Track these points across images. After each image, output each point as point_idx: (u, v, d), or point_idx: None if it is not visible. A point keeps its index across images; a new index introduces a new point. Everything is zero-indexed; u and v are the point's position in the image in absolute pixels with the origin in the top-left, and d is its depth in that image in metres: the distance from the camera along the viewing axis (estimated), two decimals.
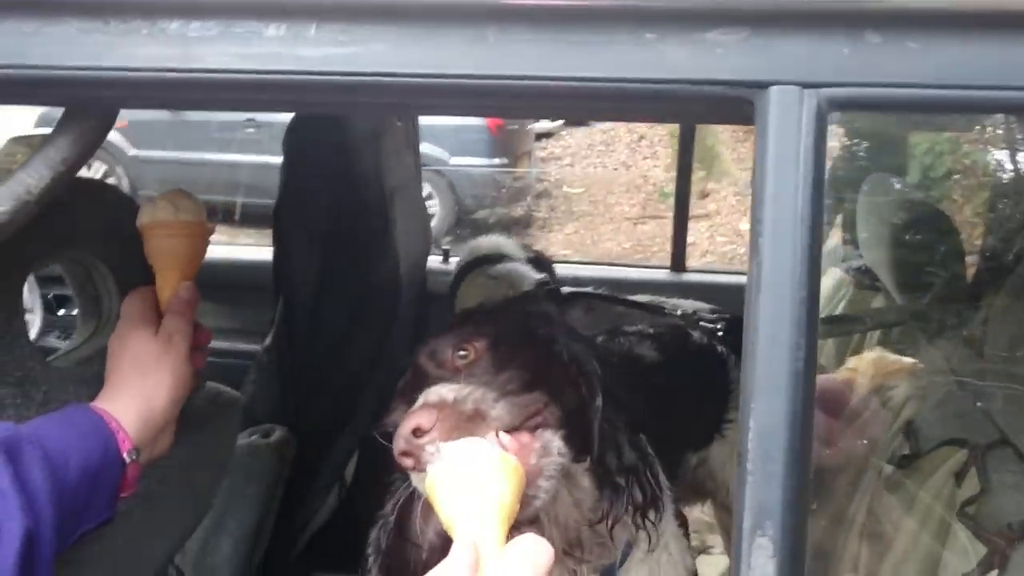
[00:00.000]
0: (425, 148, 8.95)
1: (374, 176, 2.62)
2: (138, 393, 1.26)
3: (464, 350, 1.33)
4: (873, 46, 0.84)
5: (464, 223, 9.29)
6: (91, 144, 1.07)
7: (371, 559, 1.39)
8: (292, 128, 2.53)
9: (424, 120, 8.98)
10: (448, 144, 8.84)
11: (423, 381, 1.31)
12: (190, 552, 2.54)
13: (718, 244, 8.57)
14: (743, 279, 0.85)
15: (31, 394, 1.33)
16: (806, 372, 0.84)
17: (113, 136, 9.48)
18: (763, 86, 0.85)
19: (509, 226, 9.42)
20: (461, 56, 0.87)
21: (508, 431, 1.18)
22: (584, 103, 0.91)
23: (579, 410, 1.29)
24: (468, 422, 1.16)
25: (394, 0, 0.88)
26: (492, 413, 1.18)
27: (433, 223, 8.98)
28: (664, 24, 0.86)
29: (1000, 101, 0.83)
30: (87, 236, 1.50)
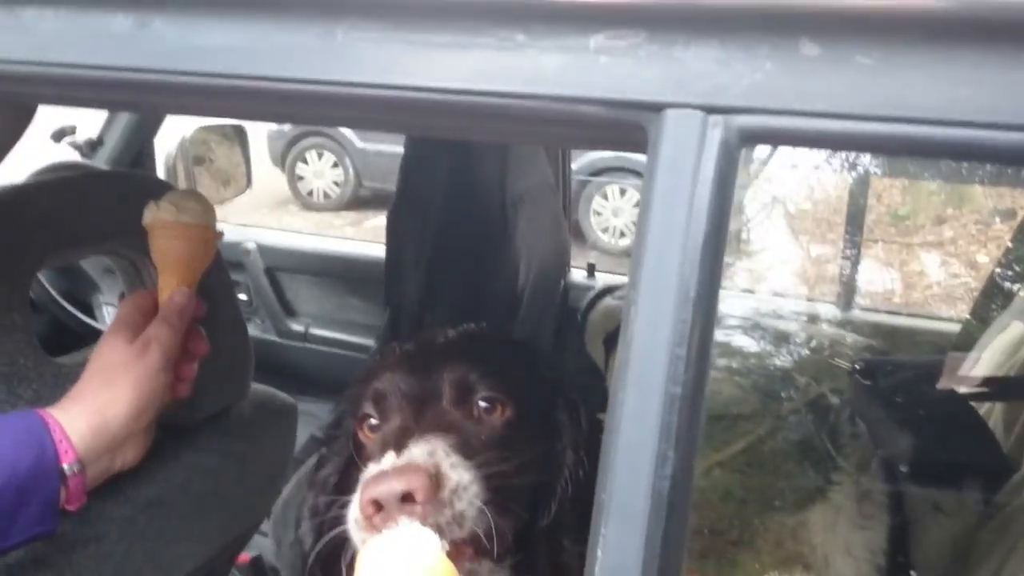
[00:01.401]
0: (637, 155, 8.74)
1: (498, 180, 2.50)
2: (92, 403, 1.20)
3: (491, 404, 1.20)
4: (807, 60, 0.61)
5: None
6: (4, 140, 1.00)
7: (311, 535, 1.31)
8: None
9: None
10: None
11: (433, 400, 1.20)
12: (285, 552, 2.53)
13: (947, 276, 7.77)
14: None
15: (18, 391, 1.31)
16: (673, 495, 0.62)
17: (343, 128, 9.98)
18: (656, 108, 0.64)
19: None
20: (304, 57, 0.72)
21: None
22: (440, 119, 0.73)
23: (527, 530, 1.17)
24: (447, 519, 1.04)
25: None
26: (466, 526, 1.06)
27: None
28: (538, 24, 0.66)
29: (985, 144, 0.57)
30: (126, 231, 1.47)
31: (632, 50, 0.64)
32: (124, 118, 3.21)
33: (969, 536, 1.69)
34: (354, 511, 1.08)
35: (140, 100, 0.82)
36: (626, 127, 0.65)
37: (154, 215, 1.33)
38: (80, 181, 1.39)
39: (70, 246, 1.41)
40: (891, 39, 0.59)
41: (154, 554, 1.54)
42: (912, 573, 1.79)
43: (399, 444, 1.11)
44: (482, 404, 1.19)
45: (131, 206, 1.42)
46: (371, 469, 1.09)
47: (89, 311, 3.21)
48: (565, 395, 1.27)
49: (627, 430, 0.63)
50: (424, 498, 1.01)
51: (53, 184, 1.38)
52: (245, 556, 2.74)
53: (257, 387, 1.80)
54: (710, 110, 0.62)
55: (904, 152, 0.57)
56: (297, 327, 3.68)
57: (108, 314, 3.21)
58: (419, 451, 1.08)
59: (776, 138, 0.62)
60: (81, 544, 1.36)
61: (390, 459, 1.08)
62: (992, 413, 2.03)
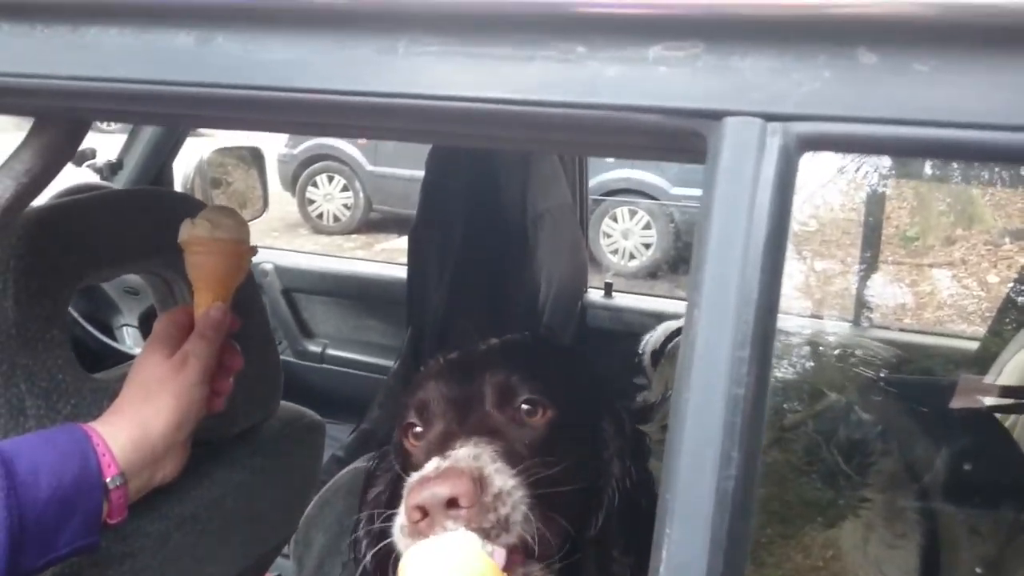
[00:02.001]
0: (646, 176, 8.80)
1: (519, 200, 2.52)
2: (134, 417, 1.22)
3: (533, 406, 1.20)
4: (865, 68, 0.62)
5: (683, 260, 9.01)
6: (58, 156, 1.03)
7: (364, 544, 1.29)
8: (436, 149, 2.48)
9: None
10: (670, 173, 8.62)
11: (476, 404, 1.21)
12: (306, 573, 2.53)
13: (958, 296, 7.76)
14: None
15: (57, 406, 1.32)
16: (736, 495, 0.63)
17: (353, 152, 10.05)
18: (716, 116, 0.66)
19: None
20: (366, 70, 0.74)
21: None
22: (501, 130, 0.75)
23: (575, 540, 1.17)
24: (492, 524, 1.04)
25: (300, 4, 0.76)
26: (513, 531, 1.05)
27: (650, 254, 8.83)
28: (597, 36, 0.68)
29: None
30: (161, 249, 1.49)
31: (690, 60, 0.66)
32: (143, 141, 3.24)
33: (1000, 553, 1.69)
34: (400, 518, 1.09)
35: (202, 115, 0.84)
36: (685, 135, 0.67)
37: (190, 232, 1.35)
38: (118, 198, 1.42)
39: (109, 263, 1.43)
40: (947, 47, 0.61)
41: (186, 570, 1.55)
42: None
43: (442, 449, 1.12)
44: (524, 407, 1.20)
45: (168, 224, 1.45)
46: (415, 476, 1.10)
47: (109, 332, 3.23)
48: (609, 404, 1.28)
49: (691, 431, 0.64)
50: (469, 502, 1.01)
51: (92, 201, 1.40)
52: None
53: (285, 404, 1.81)
54: (769, 117, 0.64)
55: (961, 156, 0.59)
56: (314, 348, 3.70)
57: (128, 335, 3.23)
58: (462, 455, 1.09)
59: (834, 144, 0.64)
60: (117, 560, 1.37)
61: (434, 464, 1.09)
62: (1015, 428, 2.03)
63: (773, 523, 1.79)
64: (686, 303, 0.67)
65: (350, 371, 3.61)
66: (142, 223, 1.46)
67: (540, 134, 0.73)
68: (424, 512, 1.02)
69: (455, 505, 1.01)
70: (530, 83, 0.70)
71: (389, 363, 3.29)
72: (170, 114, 0.90)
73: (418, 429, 1.23)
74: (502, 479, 1.06)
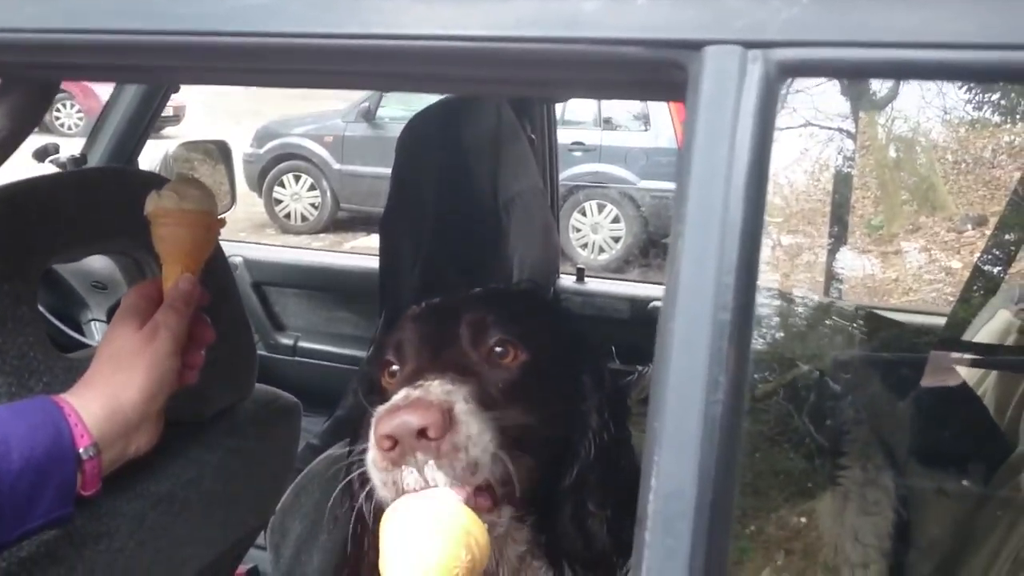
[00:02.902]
0: (613, 170, 8.85)
1: (489, 184, 2.52)
2: (105, 388, 1.20)
3: (505, 348, 1.21)
4: None
5: (653, 248, 9.06)
6: (28, 118, 1.01)
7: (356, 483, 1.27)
8: (405, 134, 2.48)
9: (614, 142, 8.90)
10: (637, 167, 8.68)
11: (451, 342, 1.21)
12: (284, 562, 2.52)
13: (924, 283, 7.88)
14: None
15: (28, 384, 1.30)
16: (725, 420, 0.63)
17: (320, 151, 10.01)
18: (696, 46, 0.66)
19: None
20: (342, 12, 0.73)
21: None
22: (482, 68, 0.75)
23: (551, 491, 1.18)
24: (462, 465, 1.04)
25: None
26: (480, 473, 1.06)
27: (619, 247, 8.88)
28: None
29: (1014, 65, 0.60)
30: (131, 228, 1.47)
31: None
32: (107, 136, 3.20)
33: (970, 517, 1.71)
34: (371, 452, 1.08)
35: (177, 65, 0.83)
36: (666, 67, 0.67)
37: (156, 203, 1.34)
38: (86, 177, 1.40)
39: (78, 242, 1.41)
40: None
41: (164, 552, 1.53)
42: None
43: (414, 381, 1.11)
44: (497, 349, 1.20)
45: (137, 203, 1.43)
46: (384, 405, 1.10)
47: (77, 328, 3.19)
48: (591, 358, 1.28)
49: (677, 358, 0.64)
50: (437, 433, 1.01)
51: (61, 179, 1.38)
52: (241, 570, 2.72)
53: (260, 387, 1.80)
54: (749, 45, 0.64)
55: (938, 76, 0.60)
56: (286, 341, 3.68)
57: (96, 329, 3.19)
58: (434, 387, 1.09)
59: (814, 69, 0.64)
60: (92, 539, 1.35)
61: (404, 394, 1.09)
62: (985, 395, 2.06)
63: (753, 495, 1.80)
64: (670, 236, 0.67)
65: (323, 363, 3.59)
66: (111, 201, 1.44)
67: (519, 72, 0.73)
68: (394, 441, 1.02)
69: (424, 435, 1.01)
70: (509, 19, 0.70)
71: (362, 354, 3.27)
72: (144, 66, 0.88)
73: (394, 367, 1.23)
74: (472, 422, 1.06)
